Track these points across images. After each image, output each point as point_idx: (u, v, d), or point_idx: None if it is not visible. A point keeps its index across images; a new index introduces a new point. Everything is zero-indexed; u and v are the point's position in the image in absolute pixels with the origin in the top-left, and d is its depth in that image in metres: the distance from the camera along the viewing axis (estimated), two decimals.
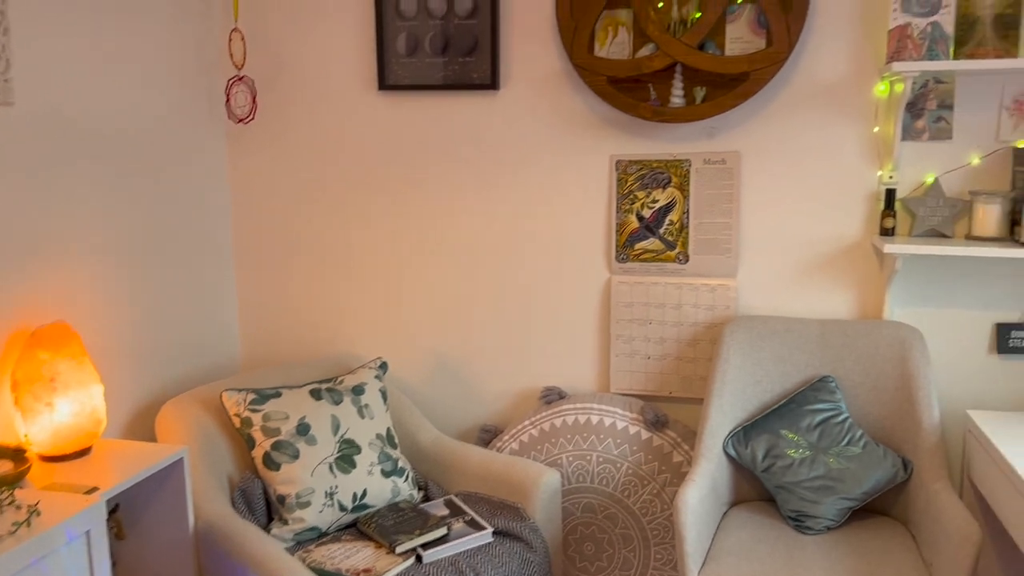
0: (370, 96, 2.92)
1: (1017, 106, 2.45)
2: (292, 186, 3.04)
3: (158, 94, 2.69)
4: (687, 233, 2.75)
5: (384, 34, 2.83)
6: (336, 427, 2.51)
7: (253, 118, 2.97)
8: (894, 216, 2.53)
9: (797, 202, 2.65)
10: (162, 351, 2.76)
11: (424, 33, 2.81)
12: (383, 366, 2.75)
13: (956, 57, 2.36)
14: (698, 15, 2.54)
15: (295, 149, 3.01)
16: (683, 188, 2.73)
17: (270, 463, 2.42)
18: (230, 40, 2.91)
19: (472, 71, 2.80)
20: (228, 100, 2.94)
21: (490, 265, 2.92)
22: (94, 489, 1.98)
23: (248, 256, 3.12)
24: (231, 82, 2.92)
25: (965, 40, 2.37)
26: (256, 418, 2.45)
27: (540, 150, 2.82)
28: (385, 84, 2.87)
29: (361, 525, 2.44)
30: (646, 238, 2.78)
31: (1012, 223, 2.42)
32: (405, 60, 2.84)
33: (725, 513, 2.47)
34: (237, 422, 2.46)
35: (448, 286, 2.97)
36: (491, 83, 2.78)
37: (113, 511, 2.29)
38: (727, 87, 2.57)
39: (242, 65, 2.93)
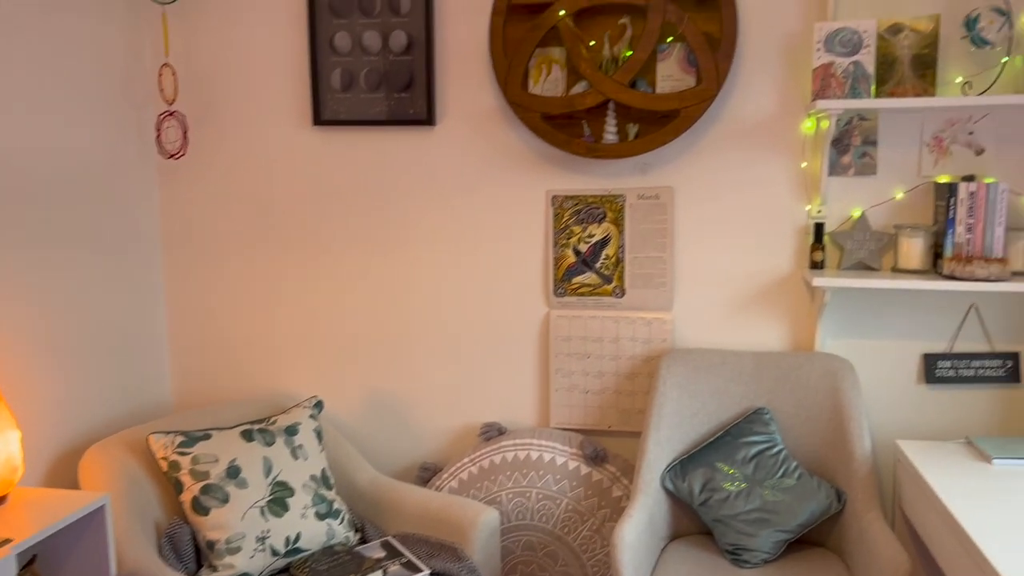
0: (305, 131, 2.89)
1: (936, 142, 2.53)
2: (225, 221, 2.99)
3: (85, 130, 2.63)
4: (623, 267, 2.76)
5: (319, 69, 2.82)
6: (268, 469, 2.45)
7: (184, 153, 2.92)
8: (823, 249, 2.58)
9: (729, 236, 2.69)
10: (88, 394, 2.67)
11: (359, 69, 2.80)
12: (318, 405, 2.70)
13: (877, 95, 2.43)
14: (629, 53, 2.58)
15: (229, 184, 2.97)
16: (618, 223, 2.75)
17: (199, 508, 2.35)
18: (160, 75, 2.87)
19: (408, 107, 2.80)
20: (159, 135, 2.88)
21: (428, 300, 2.90)
22: (6, 541, 1.89)
23: (180, 294, 3.05)
24: (161, 117, 2.87)
25: (886, 79, 2.45)
26: (184, 461, 2.38)
27: (477, 185, 2.82)
28: (320, 119, 2.85)
29: (294, 570, 2.37)
30: (583, 272, 2.79)
31: (935, 256, 2.49)
32: (340, 95, 2.83)
33: (664, 548, 2.46)
34: (164, 466, 2.39)
35: (385, 322, 2.94)
36: (427, 119, 2.78)
37: (30, 563, 2.19)
38: (659, 124, 2.61)
39: (173, 100, 2.88)
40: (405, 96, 2.79)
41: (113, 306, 2.78)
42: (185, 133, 2.90)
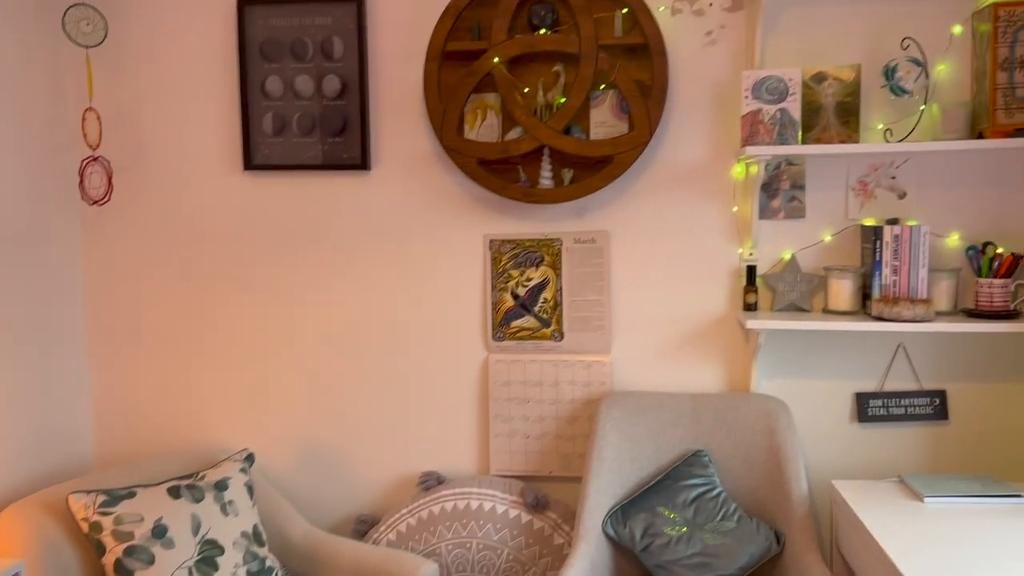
0: (235, 176, 2.84)
1: (861, 186, 2.61)
2: (153, 268, 2.90)
3: (2, 176, 2.52)
4: (561, 310, 2.76)
5: (250, 114, 2.77)
6: (196, 527, 2.34)
7: (109, 199, 2.83)
8: (756, 292, 2.62)
9: (665, 279, 2.71)
10: (3, 452, 2.53)
11: (291, 113, 2.76)
12: (249, 458, 2.62)
13: (804, 141, 2.50)
14: (563, 100, 2.60)
15: (156, 231, 2.88)
16: (556, 266, 2.75)
17: (122, 571, 2.23)
18: (84, 119, 2.78)
19: (342, 151, 2.77)
20: (82, 181, 2.79)
21: (363, 347, 2.85)
22: None
23: (104, 344, 2.93)
24: (85, 163, 2.79)
25: (812, 125, 2.51)
26: (107, 522, 2.27)
27: (413, 229, 2.80)
28: (251, 164, 2.79)
29: None
30: (522, 316, 2.78)
31: (864, 296, 2.55)
32: (272, 140, 2.78)
33: None
34: (85, 527, 2.27)
35: (319, 370, 2.87)
36: (362, 163, 2.76)
37: None
38: (594, 169, 2.63)
39: (97, 145, 2.80)
40: (339, 140, 2.76)
41: (32, 357, 2.66)
42: (110, 179, 2.82)
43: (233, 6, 2.77)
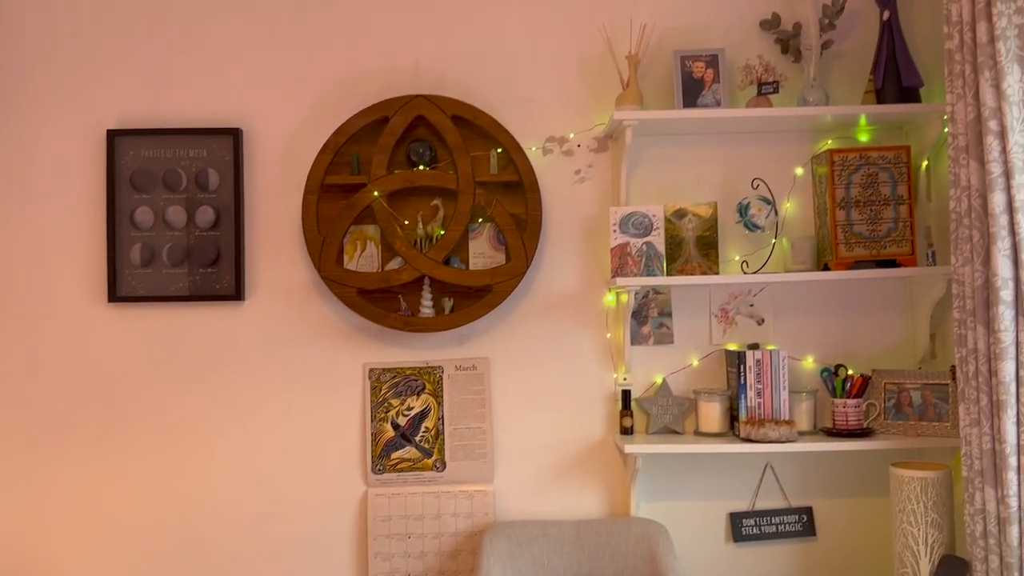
0: (99, 308, 2.70)
1: (723, 314, 2.77)
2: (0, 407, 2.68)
3: None
4: (443, 439, 2.73)
5: (116, 244, 2.68)
6: None
7: None
8: (631, 415, 2.69)
9: (545, 404, 2.75)
10: None
11: (162, 244, 2.69)
12: None
13: (669, 272, 2.64)
14: (442, 232, 2.66)
15: (5, 366, 2.68)
16: (437, 394, 2.74)
17: None
18: None
19: (215, 282, 2.70)
20: None
21: (233, 486, 2.71)
22: None
23: None
24: None
25: (675, 257, 2.67)
26: None
27: (288, 361, 2.73)
28: (116, 296, 2.68)
29: None
30: (402, 447, 2.73)
31: (732, 418, 2.66)
32: (140, 271, 2.69)
33: None
34: None
35: (184, 514, 2.69)
36: (235, 294, 2.70)
37: None
38: (474, 297, 2.68)
39: None
40: (212, 271, 2.70)
41: None
42: None
43: (103, 136, 2.71)
